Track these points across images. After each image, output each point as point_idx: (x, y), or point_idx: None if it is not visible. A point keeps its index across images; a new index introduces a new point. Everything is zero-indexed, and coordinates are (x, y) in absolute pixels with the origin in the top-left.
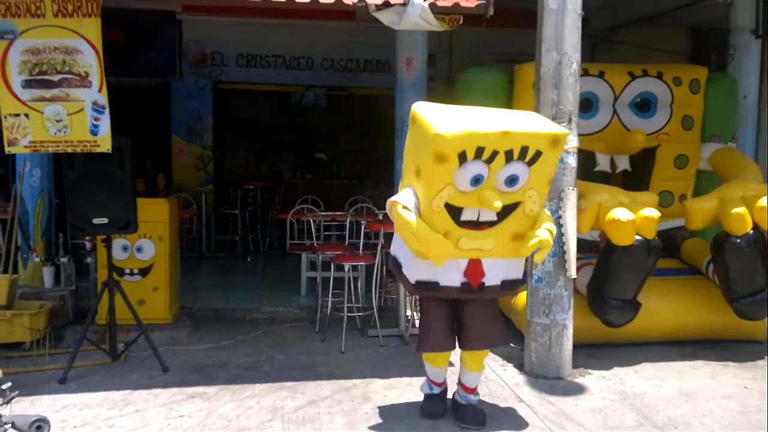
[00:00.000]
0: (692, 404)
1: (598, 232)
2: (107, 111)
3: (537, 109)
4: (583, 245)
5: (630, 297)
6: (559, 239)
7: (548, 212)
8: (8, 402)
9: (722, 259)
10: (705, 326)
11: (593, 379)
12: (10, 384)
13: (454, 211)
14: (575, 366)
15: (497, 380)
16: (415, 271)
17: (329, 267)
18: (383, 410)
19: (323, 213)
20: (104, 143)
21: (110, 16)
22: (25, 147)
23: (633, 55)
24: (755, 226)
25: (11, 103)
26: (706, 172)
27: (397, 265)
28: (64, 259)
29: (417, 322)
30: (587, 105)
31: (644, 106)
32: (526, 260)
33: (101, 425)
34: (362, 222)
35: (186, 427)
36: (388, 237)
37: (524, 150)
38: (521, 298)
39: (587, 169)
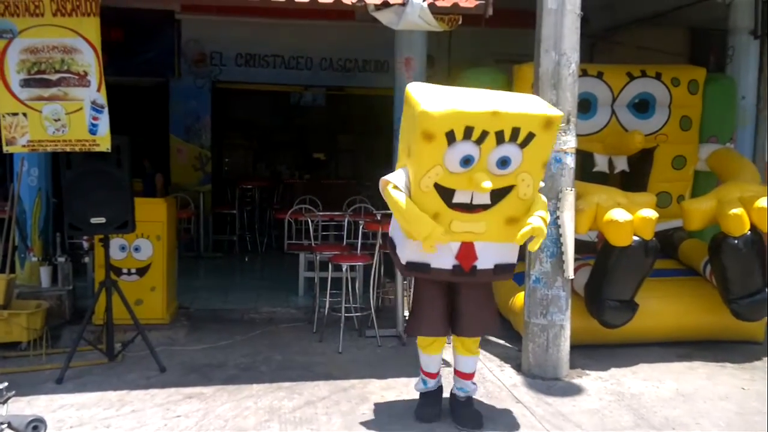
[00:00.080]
0: (689, 405)
1: (595, 232)
2: (106, 110)
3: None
4: (580, 246)
5: (627, 298)
6: (557, 240)
7: (544, 198)
8: (5, 402)
9: (720, 260)
10: (702, 327)
11: (590, 379)
12: (6, 384)
13: (445, 193)
14: (572, 367)
15: (494, 381)
16: (406, 252)
17: (327, 267)
18: (380, 411)
19: (321, 213)
20: (103, 142)
21: (109, 16)
22: (23, 146)
23: (631, 55)
24: (753, 227)
25: (9, 102)
26: (704, 172)
27: (393, 246)
28: (61, 259)
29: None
30: (586, 105)
31: (642, 106)
32: (523, 257)
33: (98, 425)
34: (360, 222)
35: (183, 427)
36: (386, 237)
37: (516, 131)
38: (518, 298)
39: (585, 170)
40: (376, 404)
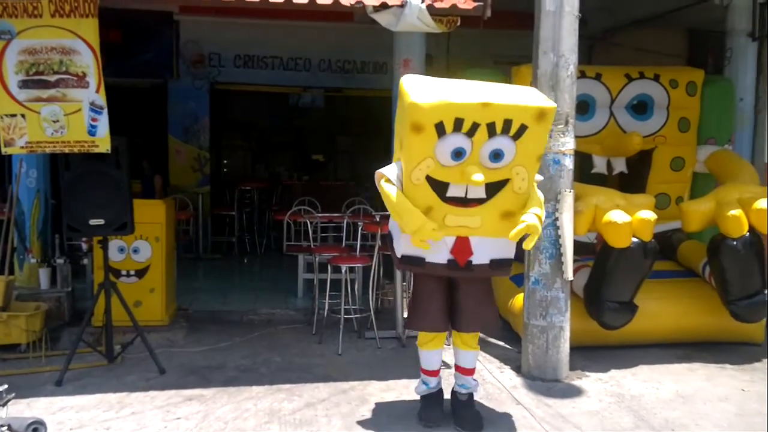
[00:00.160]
0: (689, 406)
1: (594, 234)
2: (105, 111)
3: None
4: (579, 247)
5: (626, 299)
6: (556, 241)
7: (540, 195)
8: (4, 404)
9: (719, 261)
10: (702, 328)
11: (590, 381)
12: (6, 386)
13: (439, 186)
14: (572, 368)
15: (494, 382)
16: (401, 245)
17: (326, 269)
18: (380, 412)
19: (320, 214)
20: (103, 143)
21: (107, 17)
22: (22, 147)
23: (630, 57)
24: (751, 229)
25: (8, 103)
26: (703, 174)
27: (390, 240)
28: (60, 261)
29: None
30: (584, 107)
31: (641, 108)
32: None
33: (98, 427)
34: (359, 223)
35: (183, 429)
36: (385, 239)
37: (507, 123)
38: (518, 300)
39: (584, 171)
40: (375, 406)
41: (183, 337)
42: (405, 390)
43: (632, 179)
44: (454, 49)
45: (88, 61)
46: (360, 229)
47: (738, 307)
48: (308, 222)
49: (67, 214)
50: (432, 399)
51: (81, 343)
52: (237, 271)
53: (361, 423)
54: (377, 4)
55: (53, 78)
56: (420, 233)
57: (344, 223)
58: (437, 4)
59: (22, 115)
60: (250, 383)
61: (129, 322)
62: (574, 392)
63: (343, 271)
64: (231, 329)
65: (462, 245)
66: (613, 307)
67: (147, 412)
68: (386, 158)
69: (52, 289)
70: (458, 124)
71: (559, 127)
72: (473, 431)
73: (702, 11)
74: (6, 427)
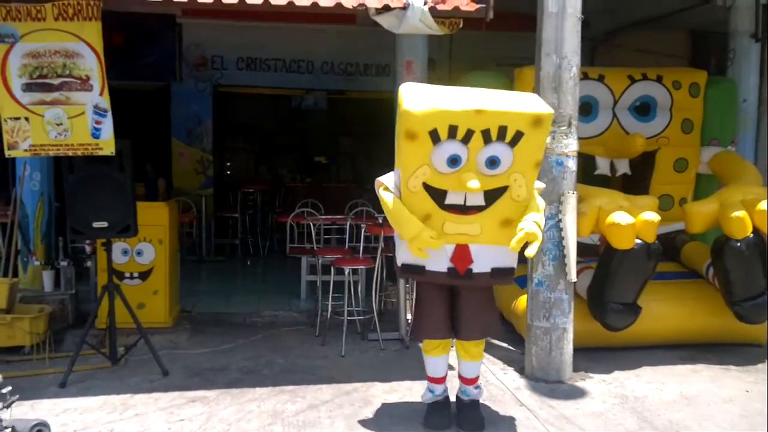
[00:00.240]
0: (693, 408)
1: (598, 235)
2: (109, 114)
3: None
4: (583, 249)
5: (630, 300)
6: (559, 243)
7: (540, 202)
8: (8, 406)
9: (722, 262)
10: (705, 330)
11: (594, 382)
12: (10, 388)
13: (437, 194)
14: (576, 370)
15: (498, 384)
16: (402, 253)
17: (329, 270)
18: (384, 414)
19: (323, 216)
20: (107, 146)
21: (110, 20)
22: (25, 150)
23: (632, 58)
24: (755, 230)
25: (11, 106)
26: (706, 175)
27: (393, 248)
28: (64, 263)
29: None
30: (587, 109)
31: (644, 109)
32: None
33: (102, 429)
34: (362, 225)
35: (186, 431)
36: (388, 240)
37: (503, 130)
38: (521, 301)
39: (587, 173)
40: (379, 407)
41: (186, 339)
42: (408, 392)
43: (635, 181)
44: (457, 52)
45: (91, 65)
46: (363, 230)
47: (742, 308)
48: (311, 224)
49: (71, 217)
50: (438, 406)
51: (85, 345)
52: (240, 274)
53: (364, 425)
54: (380, 6)
55: (57, 81)
56: (417, 241)
57: (347, 225)
58: (440, 7)
59: (26, 119)
60: (254, 385)
61: (132, 324)
62: (578, 394)
63: (346, 272)
64: (234, 331)
65: (462, 253)
66: (616, 308)
67: (151, 413)
68: (388, 160)
69: (55, 291)
70: (452, 131)
71: (562, 128)
72: (475, 431)
73: (704, 12)
74: (10, 429)
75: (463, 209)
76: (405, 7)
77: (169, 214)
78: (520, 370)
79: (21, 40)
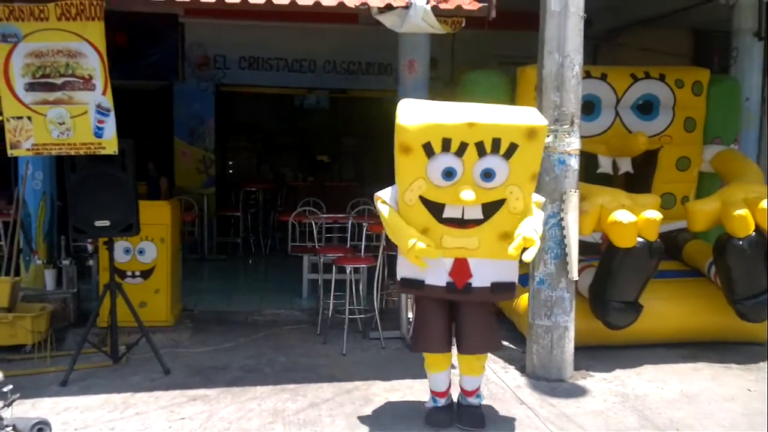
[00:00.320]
0: (694, 406)
1: (600, 234)
2: (112, 113)
3: (539, 112)
4: (584, 247)
5: (632, 299)
6: (561, 241)
7: (538, 210)
8: (9, 405)
9: (724, 261)
10: (707, 328)
11: (595, 381)
12: (11, 386)
13: (434, 208)
14: (577, 368)
15: (498, 382)
16: (402, 268)
17: (331, 269)
18: (385, 412)
19: (325, 215)
20: (110, 145)
21: (113, 20)
22: (28, 150)
23: (635, 57)
24: (757, 228)
25: (14, 106)
26: (708, 174)
27: (395, 247)
28: (66, 262)
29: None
30: (589, 107)
31: (646, 108)
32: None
33: (102, 428)
34: (364, 224)
35: (187, 429)
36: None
37: (496, 142)
38: (523, 300)
39: (589, 172)
40: (380, 406)
41: (188, 337)
42: (409, 390)
43: (638, 179)
44: (459, 50)
45: (94, 64)
46: (365, 229)
47: (744, 306)
48: (313, 223)
49: (73, 216)
50: (441, 408)
51: (86, 344)
52: (242, 272)
53: (365, 423)
54: (382, 5)
55: (59, 81)
56: (414, 250)
57: (349, 223)
58: (442, 5)
59: (29, 118)
60: (255, 383)
61: (134, 322)
62: (579, 392)
63: (347, 271)
64: (236, 330)
65: (460, 267)
66: (618, 306)
67: (151, 412)
68: (390, 160)
69: (57, 290)
70: (446, 144)
71: (565, 127)
72: (475, 428)
73: (707, 11)
74: (11, 428)
75: (461, 223)
76: (407, 6)
77: (171, 212)
78: (521, 369)
79: (24, 39)
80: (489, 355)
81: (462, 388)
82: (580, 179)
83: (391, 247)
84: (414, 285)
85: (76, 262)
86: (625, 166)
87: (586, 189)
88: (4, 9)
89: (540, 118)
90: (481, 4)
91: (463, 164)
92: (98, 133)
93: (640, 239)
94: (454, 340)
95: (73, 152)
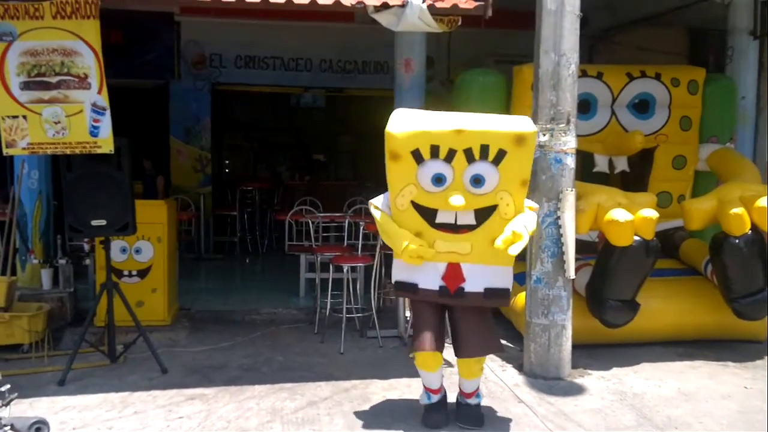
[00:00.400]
0: (692, 404)
1: (596, 232)
2: (108, 112)
3: (535, 111)
4: (581, 246)
5: (629, 297)
6: (558, 240)
7: (531, 212)
8: (7, 404)
9: (721, 259)
10: (704, 326)
11: (592, 379)
12: (8, 386)
13: (426, 213)
14: (574, 366)
15: (496, 381)
16: (395, 271)
17: (328, 268)
18: (383, 411)
19: (322, 214)
20: (106, 144)
21: (108, 18)
22: (24, 149)
23: (631, 56)
24: (754, 227)
25: (9, 104)
26: (705, 172)
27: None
28: (62, 261)
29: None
30: (586, 106)
31: (642, 107)
32: (523, 257)
33: (100, 427)
34: (361, 223)
35: (185, 428)
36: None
37: (485, 149)
38: (520, 298)
39: (586, 170)
40: (378, 404)
41: (185, 336)
42: (407, 389)
43: (634, 178)
44: (455, 49)
45: (89, 63)
46: (361, 228)
47: (740, 304)
48: (310, 222)
49: (69, 215)
50: (436, 405)
51: (83, 343)
52: (239, 271)
53: (364, 422)
54: (378, 4)
55: (55, 79)
56: (408, 250)
57: (346, 222)
58: (438, 4)
59: (24, 117)
60: (253, 382)
61: (131, 322)
62: (576, 390)
63: (344, 270)
64: (233, 329)
65: (453, 271)
66: (615, 305)
67: (149, 411)
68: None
69: (54, 289)
70: (434, 150)
71: (561, 126)
72: (473, 427)
73: (703, 10)
74: (9, 427)
75: (454, 228)
76: (404, 5)
77: (168, 212)
78: (519, 367)
79: (19, 38)
80: (483, 360)
81: (461, 390)
82: (576, 178)
83: (388, 246)
84: (408, 289)
85: (73, 262)
86: (622, 164)
87: (582, 188)
88: None
89: (529, 125)
90: (477, 3)
91: (453, 170)
92: (94, 132)
93: (636, 238)
94: (448, 343)
95: (68, 151)
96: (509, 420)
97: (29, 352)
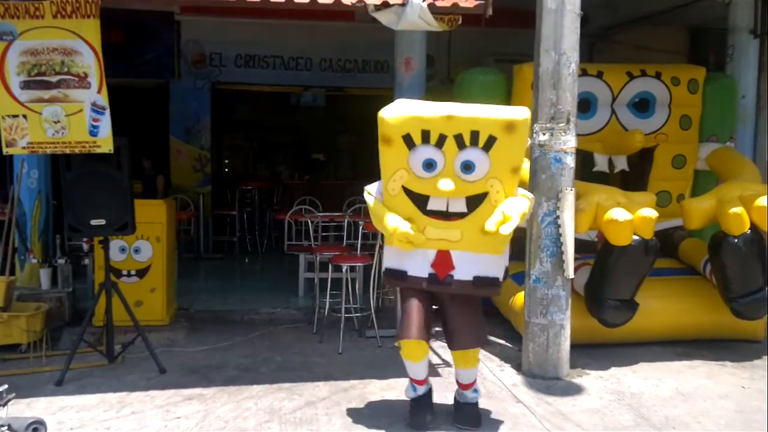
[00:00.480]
0: (690, 404)
1: (595, 232)
2: (107, 112)
3: (535, 109)
4: (580, 245)
5: (627, 297)
6: (557, 239)
7: (521, 198)
8: (5, 404)
9: (720, 258)
10: (702, 326)
11: (591, 379)
12: (6, 386)
13: (418, 199)
14: (573, 366)
15: (495, 381)
16: (386, 257)
17: (327, 268)
18: (381, 411)
19: (321, 214)
20: (105, 144)
21: (109, 17)
22: (23, 148)
23: (631, 55)
24: (753, 226)
25: (9, 104)
26: (704, 172)
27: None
28: (61, 261)
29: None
30: (585, 105)
31: (642, 106)
32: (522, 257)
33: (98, 427)
34: (360, 223)
35: (183, 428)
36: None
37: (475, 135)
38: (519, 298)
39: (585, 170)
40: (376, 404)
41: (184, 336)
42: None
43: (633, 177)
44: (455, 48)
45: (89, 62)
46: (361, 228)
47: (739, 304)
48: (309, 221)
49: (69, 215)
50: (421, 402)
51: (82, 343)
52: (238, 271)
53: (362, 422)
54: (378, 2)
55: (55, 79)
56: (398, 233)
57: (345, 222)
58: (438, 3)
59: (24, 116)
60: (251, 382)
61: (130, 321)
62: (575, 390)
63: (343, 270)
64: (232, 329)
65: (443, 259)
66: (613, 305)
67: (147, 411)
68: None
69: (53, 289)
70: (425, 135)
71: (561, 125)
72: (472, 427)
73: (703, 8)
74: (6, 427)
75: (445, 215)
76: (404, 4)
77: (167, 211)
78: (517, 367)
79: (19, 37)
80: (485, 353)
81: (458, 382)
82: (576, 177)
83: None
84: (397, 276)
85: (72, 261)
86: (621, 164)
87: (582, 187)
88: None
89: (521, 112)
90: (477, 2)
91: (444, 156)
92: (93, 131)
93: (635, 237)
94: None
95: (68, 151)
96: (507, 420)
97: (27, 351)
